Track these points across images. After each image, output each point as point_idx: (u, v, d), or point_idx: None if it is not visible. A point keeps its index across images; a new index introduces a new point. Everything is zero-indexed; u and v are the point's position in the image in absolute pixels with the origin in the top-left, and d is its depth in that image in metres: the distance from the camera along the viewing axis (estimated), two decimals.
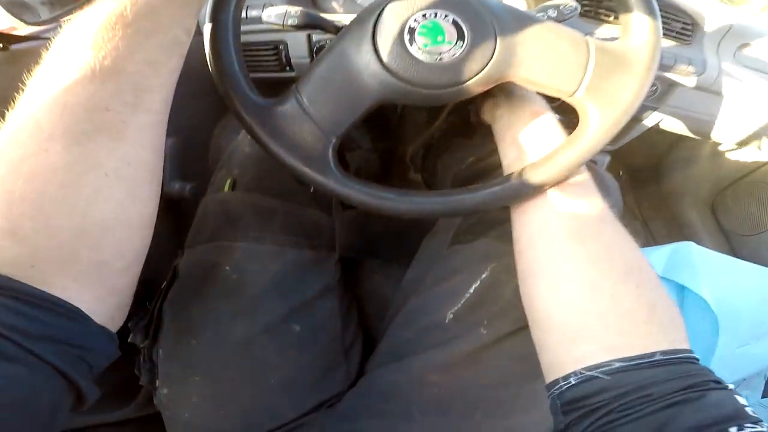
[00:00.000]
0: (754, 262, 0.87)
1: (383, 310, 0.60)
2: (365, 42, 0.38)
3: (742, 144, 0.80)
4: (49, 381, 0.28)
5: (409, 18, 0.37)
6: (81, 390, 0.30)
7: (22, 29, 0.59)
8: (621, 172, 1.26)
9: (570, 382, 0.35)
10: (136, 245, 0.35)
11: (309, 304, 0.53)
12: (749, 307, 0.82)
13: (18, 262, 0.28)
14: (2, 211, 0.28)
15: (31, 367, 0.27)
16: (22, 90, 0.31)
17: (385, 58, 0.38)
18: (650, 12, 0.39)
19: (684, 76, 0.68)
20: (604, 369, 0.33)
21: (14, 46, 0.58)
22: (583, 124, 0.41)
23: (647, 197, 1.28)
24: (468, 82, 0.39)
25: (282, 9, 0.46)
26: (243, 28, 0.64)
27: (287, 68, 0.69)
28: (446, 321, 0.49)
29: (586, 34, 0.40)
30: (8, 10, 0.52)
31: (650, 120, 0.76)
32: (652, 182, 1.27)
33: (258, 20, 0.63)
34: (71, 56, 0.30)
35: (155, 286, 0.54)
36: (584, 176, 0.43)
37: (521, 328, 0.45)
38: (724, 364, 0.82)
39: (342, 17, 0.48)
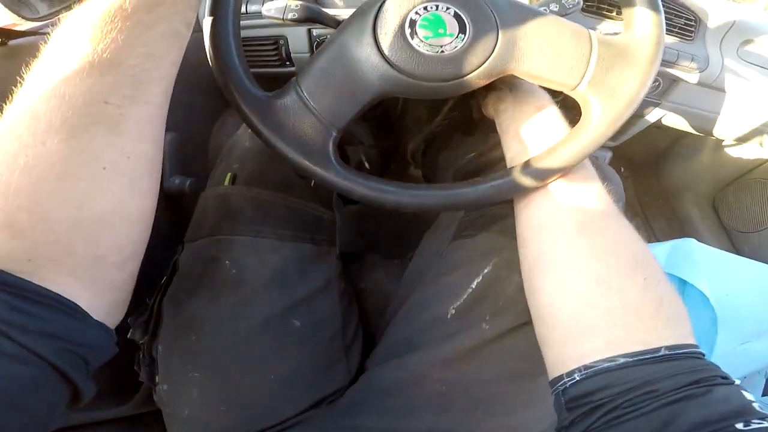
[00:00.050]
0: (756, 260, 0.87)
1: (384, 305, 0.60)
2: (366, 34, 0.38)
3: (744, 141, 0.80)
4: (45, 377, 0.28)
5: (410, 10, 0.37)
6: (77, 387, 0.30)
7: (21, 25, 0.58)
8: (622, 169, 1.26)
9: (574, 378, 0.34)
10: (134, 240, 0.34)
11: (309, 299, 0.53)
12: (750, 304, 0.82)
13: (14, 256, 0.28)
14: None
15: (27, 364, 0.27)
16: (21, 84, 0.31)
17: (386, 50, 0.38)
18: (653, 5, 0.39)
19: (686, 73, 0.68)
20: (609, 365, 0.33)
21: (12, 42, 0.58)
22: (585, 117, 0.41)
23: (648, 194, 1.28)
24: (469, 75, 0.39)
25: (282, 3, 0.45)
26: (243, 22, 0.64)
27: (287, 63, 0.68)
28: (448, 316, 0.48)
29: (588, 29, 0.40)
30: (8, 7, 0.52)
31: (652, 116, 0.76)
32: (653, 179, 1.27)
33: (258, 15, 0.63)
34: (70, 49, 0.30)
35: (155, 282, 0.54)
36: (589, 170, 0.42)
37: (523, 323, 0.45)
38: (725, 361, 0.81)
39: (343, 11, 0.47)
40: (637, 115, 0.77)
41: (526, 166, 0.41)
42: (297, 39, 0.65)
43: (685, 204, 1.20)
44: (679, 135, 0.86)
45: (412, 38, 0.37)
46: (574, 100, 0.42)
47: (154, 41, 0.32)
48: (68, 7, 0.33)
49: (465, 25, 0.37)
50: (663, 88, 0.71)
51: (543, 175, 0.40)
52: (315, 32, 0.64)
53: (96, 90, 0.30)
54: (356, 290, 0.64)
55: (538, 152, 0.42)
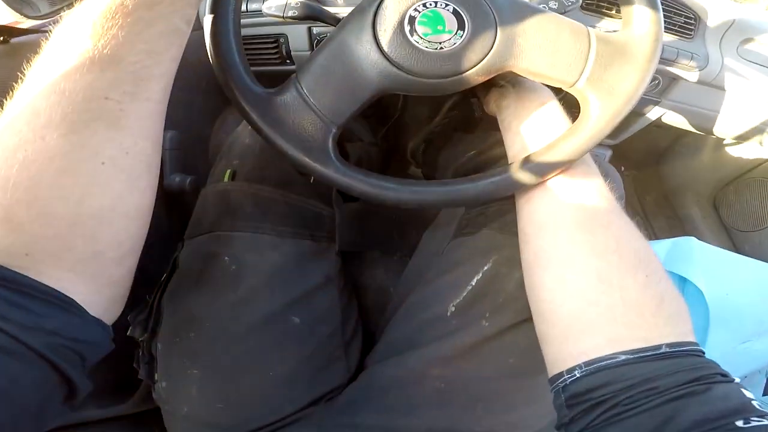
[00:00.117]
0: (756, 258, 0.86)
1: (384, 303, 0.60)
2: (365, 31, 0.38)
3: (744, 139, 0.80)
4: (41, 373, 0.28)
5: (409, 7, 0.37)
6: (73, 383, 0.30)
7: (23, 23, 0.59)
8: (623, 167, 1.26)
9: (575, 375, 0.34)
10: (133, 235, 0.34)
11: (309, 296, 0.53)
12: (751, 303, 0.82)
13: (12, 250, 0.28)
14: None
15: (23, 359, 0.27)
16: (22, 80, 0.31)
17: (385, 47, 0.38)
18: (651, 3, 0.39)
19: (686, 71, 0.68)
20: (609, 362, 0.33)
21: (14, 39, 0.58)
22: (584, 114, 0.41)
23: (649, 192, 1.28)
24: (468, 72, 0.39)
25: (282, 1, 0.45)
26: (243, 21, 0.64)
27: (287, 61, 0.68)
28: (448, 314, 0.48)
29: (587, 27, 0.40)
30: (10, 5, 0.52)
31: (652, 114, 0.76)
32: (653, 177, 1.27)
33: (258, 13, 0.63)
34: (71, 45, 0.30)
35: (155, 279, 0.54)
36: (591, 167, 0.42)
37: (523, 320, 0.45)
38: (725, 360, 0.81)
39: (342, 9, 0.48)
40: (637, 113, 0.77)
41: (525, 162, 0.41)
42: (297, 37, 0.66)
43: (685, 203, 1.20)
44: (679, 134, 0.86)
45: (411, 35, 0.37)
46: (575, 97, 0.42)
47: (154, 38, 0.32)
48: (69, 5, 0.33)
49: (464, 21, 0.37)
50: (663, 86, 0.71)
51: (541, 171, 0.40)
52: (315, 30, 0.64)
53: (96, 86, 0.30)
54: (356, 287, 0.64)
55: (539, 149, 0.42)
